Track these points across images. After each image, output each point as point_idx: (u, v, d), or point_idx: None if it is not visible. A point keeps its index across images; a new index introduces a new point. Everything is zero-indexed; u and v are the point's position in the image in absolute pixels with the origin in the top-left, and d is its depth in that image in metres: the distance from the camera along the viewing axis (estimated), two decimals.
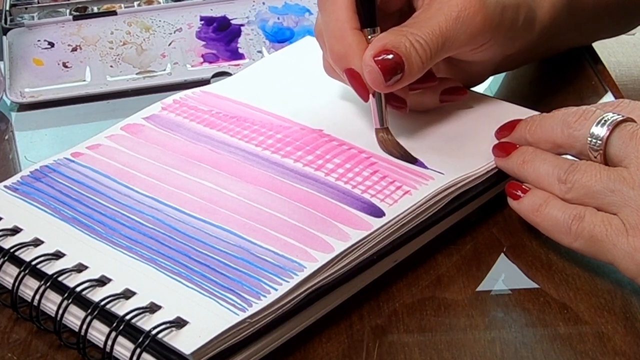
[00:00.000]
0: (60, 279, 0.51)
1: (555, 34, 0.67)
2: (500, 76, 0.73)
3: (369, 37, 0.59)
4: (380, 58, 0.57)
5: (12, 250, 0.53)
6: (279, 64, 0.71)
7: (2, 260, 0.53)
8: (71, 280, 0.51)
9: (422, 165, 0.58)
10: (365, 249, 0.52)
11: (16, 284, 0.52)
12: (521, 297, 0.53)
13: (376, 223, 0.53)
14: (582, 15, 0.68)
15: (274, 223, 0.54)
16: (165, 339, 0.47)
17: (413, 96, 0.62)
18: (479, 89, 0.67)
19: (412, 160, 0.59)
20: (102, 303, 0.49)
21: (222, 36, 0.79)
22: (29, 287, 0.52)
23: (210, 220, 0.54)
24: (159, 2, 0.84)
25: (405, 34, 0.57)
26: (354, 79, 0.59)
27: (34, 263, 0.52)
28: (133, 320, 0.48)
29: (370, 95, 0.59)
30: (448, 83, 0.63)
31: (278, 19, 0.81)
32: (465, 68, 0.64)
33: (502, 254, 0.57)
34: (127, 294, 0.50)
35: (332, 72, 0.62)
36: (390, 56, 0.57)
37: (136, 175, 0.59)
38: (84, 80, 0.76)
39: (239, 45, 0.79)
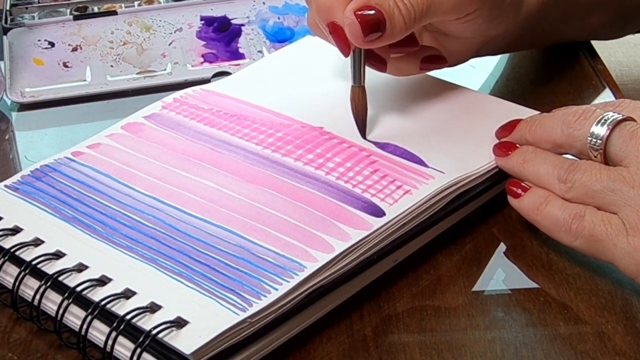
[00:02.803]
0: (60, 278, 0.51)
1: (542, 22, 0.67)
2: (501, 76, 0.73)
3: None
4: (361, 12, 0.57)
5: (12, 250, 0.53)
6: (279, 63, 0.71)
7: (2, 260, 0.53)
8: (71, 280, 0.51)
9: (420, 162, 0.58)
10: (365, 249, 0.52)
11: (16, 283, 0.52)
12: (521, 297, 0.53)
13: (376, 223, 0.53)
14: (572, 7, 0.68)
15: (275, 223, 0.54)
16: (165, 339, 0.47)
17: (393, 60, 0.62)
18: (480, 88, 0.67)
19: (363, 134, 0.61)
20: (103, 303, 0.49)
21: (222, 36, 0.79)
22: (30, 287, 0.52)
23: (210, 219, 0.54)
24: (159, 2, 0.84)
25: None
26: (336, 33, 0.59)
27: (34, 263, 0.52)
28: (133, 320, 0.48)
29: (351, 51, 0.59)
30: (429, 51, 0.64)
31: (278, 18, 0.81)
32: (447, 45, 0.64)
33: (502, 254, 0.57)
34: (128, 294, 0.50)
35: (315, 28, 0.62)
36: (372, 12, 0.57)
37: (136, 175, 0.59)
38: (84, 80, 0.76)
39: (239, 45, 0.79)
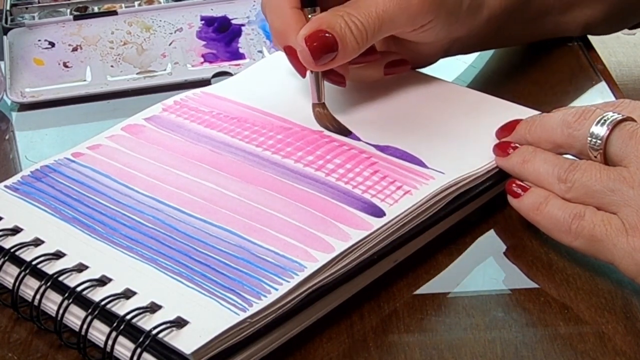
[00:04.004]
0: (60, 278, 0.51)
1: (512, 22, 0.67)
2: (500, 76, 0.73)
3: (309, 16, 0.60)
4: (312, 38, 0.58)
5: (12, 250, 0.53)
6: (279, 65, 0.71)
7: (2, 260, 0.53)
8: (72, 280, 0.51)
9: (420, 163, 0.58)
10: (365, 249, 0.52)
11: (17, 283, 0.52)
12: (521, 297, 0.53)
13: (376, 223, 0.53)
14: (546, 6, 0.69)
15: (275, 223, 0.54)
16: (165, 339, 0.47)
17: (357, 70, 0.63)
18: (479, 88, 0.67)
19: (347, 132, 0.61)
20: (103, 303, 0.49)
21: (222, 36, 0.79)
22: (30, 287, 0.52)
23: (210, 220, 0.54)
24: (160, 2, 0.84)
25: (342, 14, 0.59)
26: (292, 56, 0.60)
27: (34, 263, 0.52)
28: (133, 320, 0.48)
29: (308, 72, 0.61)
30: (391, 56, 0.65)
31: None
32: (413, 48, 0.65)
33: (502, 254, 0.57)
34: (128, 294, 0.50)
35: (278, 46, 0.63)
36: (324, 36, 0.58)
37: (137, 176, 0.59)
38: (85, 80, 0.76)
39: (239, 45, 0.79)
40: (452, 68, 0.72)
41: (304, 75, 0.61)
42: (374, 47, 0.63)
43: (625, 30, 0.82)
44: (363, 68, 0.64)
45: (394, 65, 0.65)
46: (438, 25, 0.61)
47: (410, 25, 0.61)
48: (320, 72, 0.61)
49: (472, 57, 0.74)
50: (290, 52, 0.60)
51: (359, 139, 0.60)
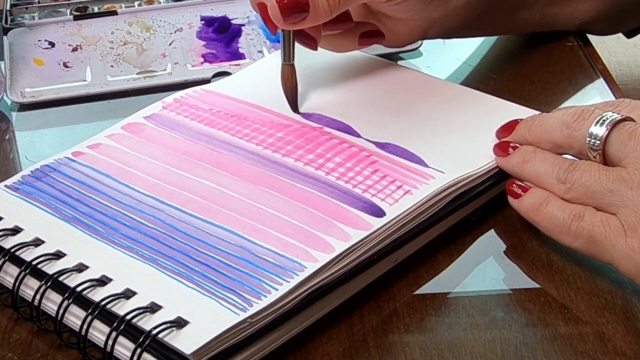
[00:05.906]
0: (60, 278, 0.51)
1: (493, 10, 0.67)
2: (500, 76, 0.73)
3: None
4: None
5: (12, 250, 0.53)
6: (279, 63, 0.71)
7: (2, 260, 0.53)
8: (72, 280, 0.51)
9: (420, 161, 0.58)
10: (365, 249, 0.52)
11: (17, 284, 0.52)
12: (521, 297, 0.53)
13: (377, 223, 0.53)
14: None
15: (275, 223, 0.54)
16: (165, 339, 0.47)
17: (331, 37, 0.64)
18: (479, 89, 0.67)
19: (295, 109, 0.63)
20: (103, 303, 0.49)
21: (222, 36, 0.79)
22: (30, 287, 0.52)
23: (210, 220, 0.54)
24: (160, 2, 0.84)
25: None
26: (263, 12, 0.60)
27: (34, 263, 0.52)
28: (134, 320, 0.48)
29: (280, 30, 0.61)
30: (366, 27, 0.65)
31: None
32: (391, 25, 0.65)
33: (502, 254, 0.57)
34: (128, 294, 0.50)
35: (254, 7, 0.64)
36: None
37: (137, 175, 0.59)
38: (85, 80, 0.76)
39: (239, 45, 0.79)
40: (452, 67, 0.72)
41: (274, 34, 0.62)
42: (349, 15, 0.63)
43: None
44: (337, 36, 0.64)
45: (368, 36, 0.65)
46: (412, 0, 0.61)
47: None
48: (291, 32, 0.62)
49: (473, 57, 0.74)
50: (262, 8, 0.60)
51: (359, 136, 0.61)
